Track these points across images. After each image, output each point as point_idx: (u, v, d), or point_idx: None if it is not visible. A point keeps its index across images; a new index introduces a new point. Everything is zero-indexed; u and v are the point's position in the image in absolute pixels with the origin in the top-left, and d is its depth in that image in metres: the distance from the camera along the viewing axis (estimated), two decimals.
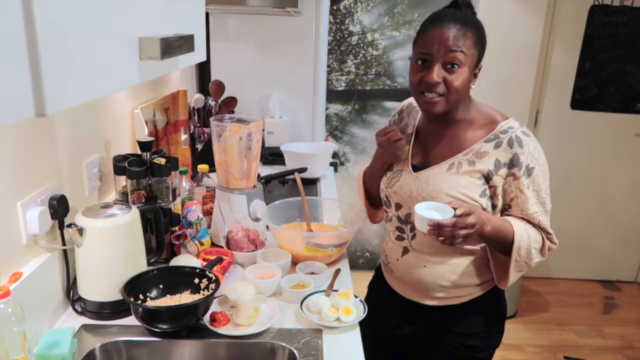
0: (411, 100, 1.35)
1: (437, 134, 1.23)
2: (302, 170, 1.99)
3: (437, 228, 1.05)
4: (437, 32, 1.10)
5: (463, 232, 1.06)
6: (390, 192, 1.28)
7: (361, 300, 1.25)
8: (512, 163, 1.14)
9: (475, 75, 1.16)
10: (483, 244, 1.22)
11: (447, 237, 1.06)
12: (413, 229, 1.25)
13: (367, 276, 1.55)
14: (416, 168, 1.24)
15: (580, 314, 3.17)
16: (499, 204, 1.19)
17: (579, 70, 3.17)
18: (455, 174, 1.17)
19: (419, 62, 1.14)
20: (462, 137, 1.19)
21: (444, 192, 1.16)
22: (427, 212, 1.08)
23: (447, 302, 1.27)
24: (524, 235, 1.15)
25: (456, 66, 1.10)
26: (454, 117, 1.20)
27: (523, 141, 1.15)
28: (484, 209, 1.17)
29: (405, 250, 1.28)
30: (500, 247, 1.18)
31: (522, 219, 1.19)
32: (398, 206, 1.27)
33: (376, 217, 1.48)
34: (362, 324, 1.19)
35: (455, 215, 1.05)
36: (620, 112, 3.24)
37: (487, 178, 1.16)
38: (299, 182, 1.60)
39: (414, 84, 1.15)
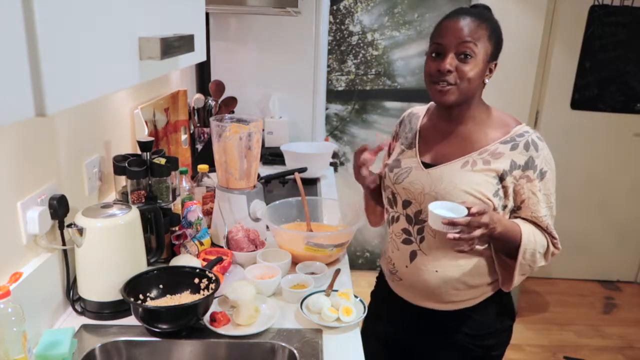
0: (410, 110, 1.39)
1: (446, 132, 1.23)
2: (302, 170, 1.99)
3: (451, 226, 1.04)
4: (451, 23, 1.12)
5: (477, 232, 1.04)
6: (398, 188, 1.26)
7: (361, 300, 1.25)
8: (527, 165, 1.15)
9: (491, 70, 1.18)
10: (486, 245, 1.22)
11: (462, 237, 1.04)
12: (421, 231, 1.23)
13: (367, 276, 1.55)
14: (426, 165, 1.23)
15: (580, 314, 3.17)
16: (509, 204, 1.19)
17: (579, 70, 3.17)
18: (470, 172, 1.16)
19: (433, 54, 1.15)
20: (475, 137, 1.20)
21: (458, 189, 1.16)
22: (441, 212, 1.06)
23: (461, 305, 1.25)
24: (530, 239, 1.16)
25: (469, 57, 1.11)
26: (464, 115, 1.20)
27: (539, 146, 1.16)
28: (495, 208, 1.17)
29: (414, 255, 1.25)
30: (506, 249, 1.18)
31: (530, 221, 1.19)
32: (406, 203, 1.25)
33: (377, 223, 1.50)
34: (368, 332, 1.18)
35: (469, 214, 1.04)
36: (620, 112, 3.25)
37: (501, 178, 1.16)
38: (299, 182, 1.60)
39: (428, 74, 1.16)
